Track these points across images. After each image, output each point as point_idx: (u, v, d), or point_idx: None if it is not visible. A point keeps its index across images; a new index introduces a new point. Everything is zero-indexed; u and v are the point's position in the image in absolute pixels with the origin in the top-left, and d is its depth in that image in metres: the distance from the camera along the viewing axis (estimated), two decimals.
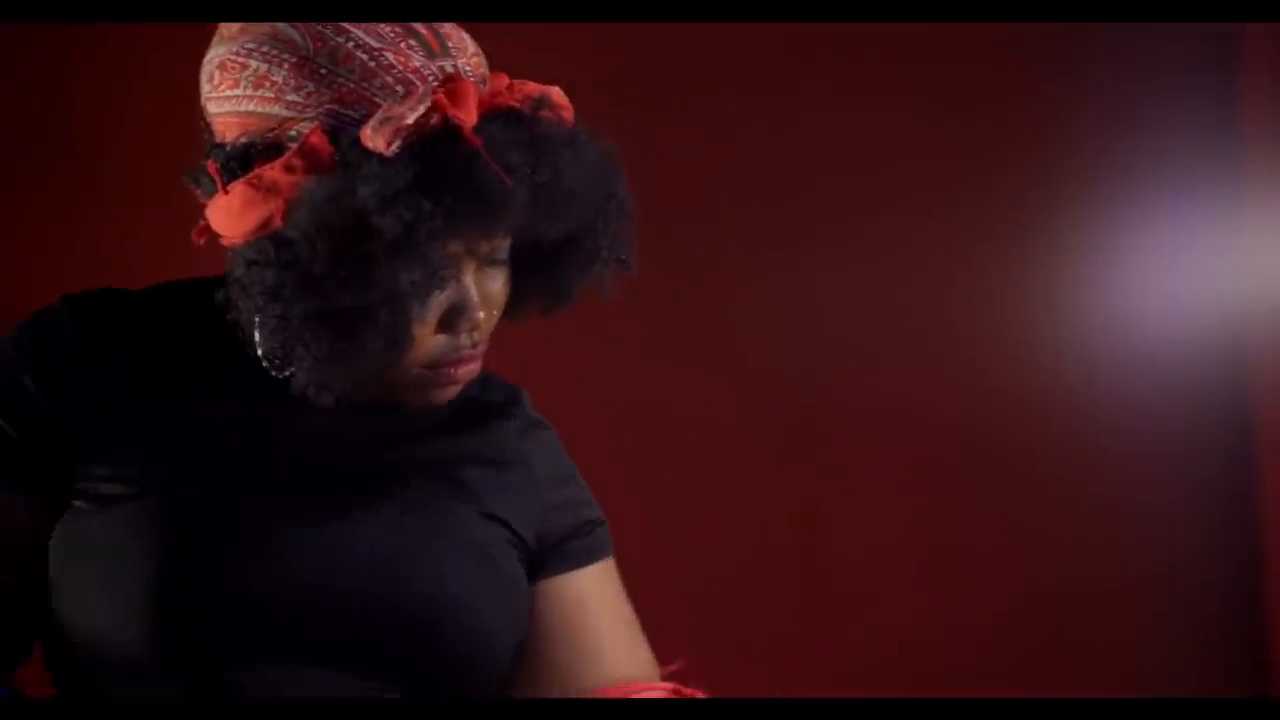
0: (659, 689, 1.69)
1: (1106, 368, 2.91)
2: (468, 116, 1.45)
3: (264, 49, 1.49)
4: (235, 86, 1.50)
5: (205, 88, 1.52)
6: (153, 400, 1.57)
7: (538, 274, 1.60)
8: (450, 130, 1.45)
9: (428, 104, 1.45)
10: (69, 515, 1.55)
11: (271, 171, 1.46)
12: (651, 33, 2.87)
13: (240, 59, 1.50)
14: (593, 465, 1.78)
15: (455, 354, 1.55)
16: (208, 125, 1.53)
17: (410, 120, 1.44)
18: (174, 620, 1.50)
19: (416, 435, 1.63)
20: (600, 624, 1.68)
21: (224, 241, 1.51)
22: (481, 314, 1.54)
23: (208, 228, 1.52)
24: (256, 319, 1.50)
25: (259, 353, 1.53)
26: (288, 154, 1.45)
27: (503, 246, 1.55)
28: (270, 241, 1.46)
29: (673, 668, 1.73)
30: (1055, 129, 2.92)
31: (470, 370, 1.57)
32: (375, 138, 1.43)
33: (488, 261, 1.55)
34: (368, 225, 1.43)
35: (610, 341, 2.92)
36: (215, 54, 1.52)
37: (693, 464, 2.96)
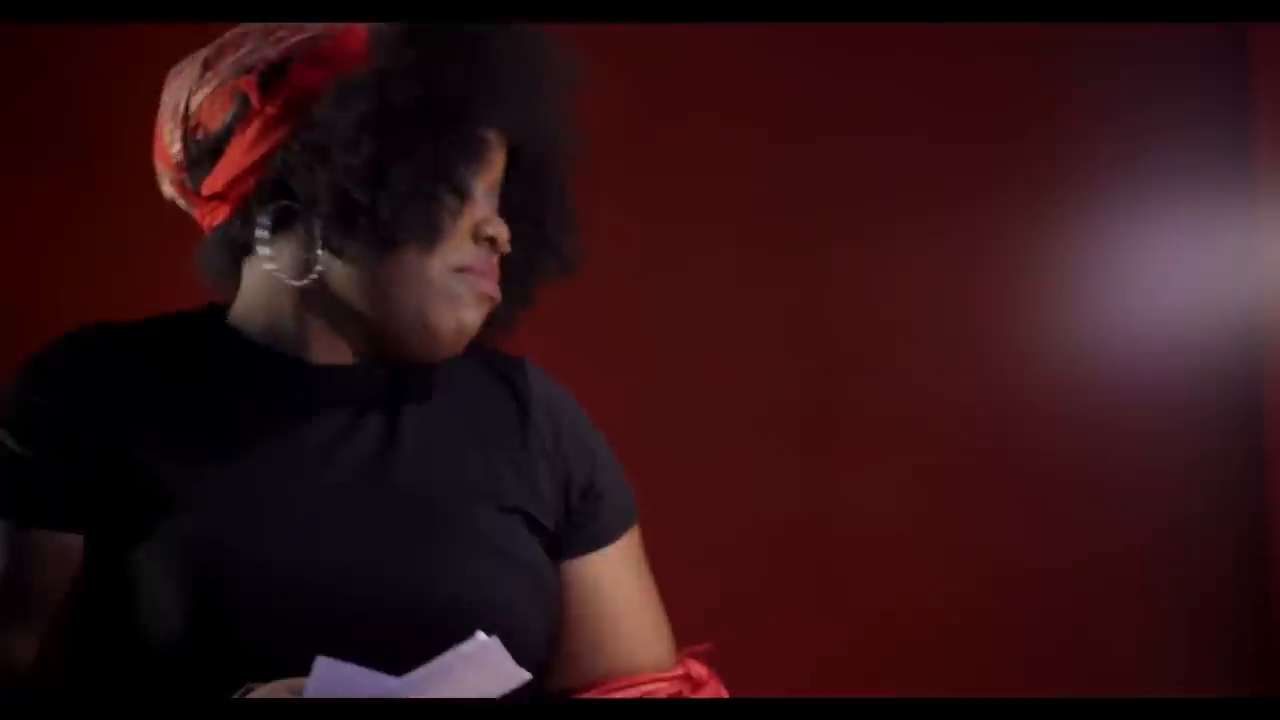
0: (665, 680, 1.70)
1: (1117, 368, 2.91)
2: None
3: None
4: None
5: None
6: (168, 428, 1.59)
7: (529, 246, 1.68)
8: None
9: None
10: (110, 552, 1.57)
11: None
12: (667, 33, 2.87)
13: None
14: None
15: (481, 261, 1.62)
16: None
17: None
18: (209, 656, 1.53)
19: (430, 429, 1.65)
20: (614, 610, 1.70)
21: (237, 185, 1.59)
22: (505, 229, 1.63)
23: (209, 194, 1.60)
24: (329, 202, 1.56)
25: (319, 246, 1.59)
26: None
27: (495, 194, 1.64)
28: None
29: (699, 649, 1.73)
30: (1066, 129, 2.93)
31: (490, 286, 1.63)
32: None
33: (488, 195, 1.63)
34: None
35: (620, 339, 2.92)
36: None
37: (701, 461, 2.96)
